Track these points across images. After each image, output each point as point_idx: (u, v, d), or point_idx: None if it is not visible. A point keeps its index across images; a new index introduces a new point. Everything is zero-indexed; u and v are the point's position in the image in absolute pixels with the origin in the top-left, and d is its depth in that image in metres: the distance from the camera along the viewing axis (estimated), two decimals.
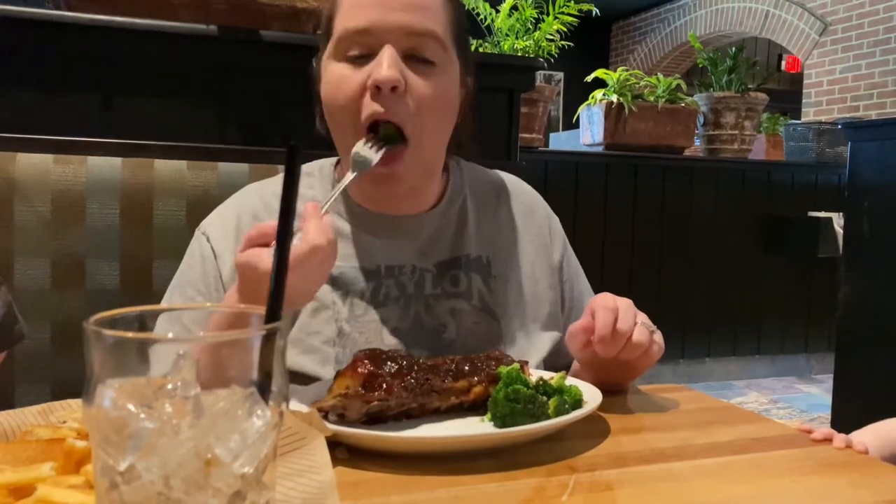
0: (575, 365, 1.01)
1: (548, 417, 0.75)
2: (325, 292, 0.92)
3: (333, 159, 1.03)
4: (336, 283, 0.93)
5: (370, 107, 0.85)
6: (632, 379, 0.97)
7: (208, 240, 0.96)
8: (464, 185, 1.05)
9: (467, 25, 0.98)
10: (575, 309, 1.08)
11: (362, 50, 0.86)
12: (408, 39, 0.86)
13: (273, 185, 1.02)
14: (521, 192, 1.10)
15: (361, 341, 0.91)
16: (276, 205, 0.97)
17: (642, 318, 0.88)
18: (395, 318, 0.94)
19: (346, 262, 0.95)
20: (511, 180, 1.11)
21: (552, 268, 1.07)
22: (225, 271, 0.94)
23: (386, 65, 0.84)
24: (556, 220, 1.13)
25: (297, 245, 0.72)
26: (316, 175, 1.02)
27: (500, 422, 0.74)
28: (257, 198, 1.00)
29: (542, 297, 1.04)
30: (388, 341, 0.92)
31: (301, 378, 0.88)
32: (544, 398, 0.76)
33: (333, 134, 0.93)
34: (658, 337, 0.89)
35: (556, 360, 1.04)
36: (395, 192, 0.94)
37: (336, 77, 0.88)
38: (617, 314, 0.84)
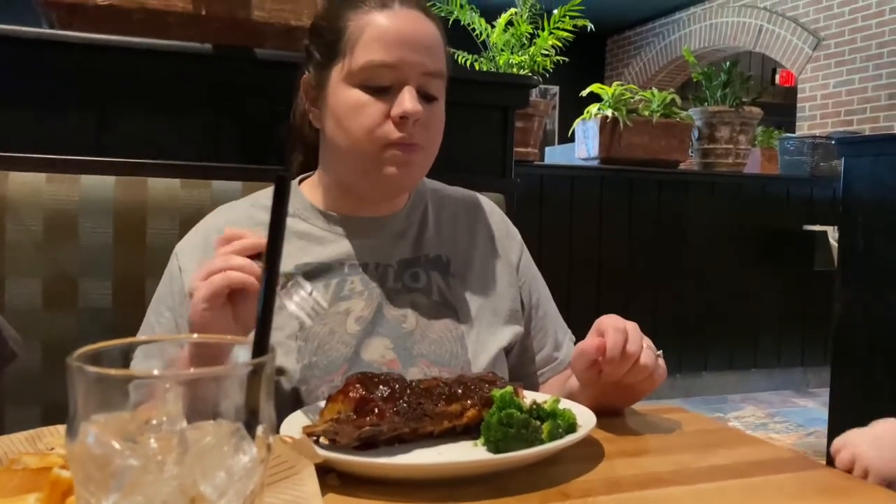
0: (571, 385, 1.02)
1: (541, 442, 0.74)
2: None
3: (294, 179, 1.12)
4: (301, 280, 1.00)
5: (394, 133, 0.95)
6: (631, 403, 0.98)
7: (177, 257, 1.03)
8: (425, 194, 1.13)
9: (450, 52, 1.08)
10: (535, 311, 1.14)
11: (383, 82, 0.95)
12: (422, 78, 0.97)
13: (244, 204, 1.09)
14: (479, 202, 1.18)
15: (324, 332, 0.96)
16: (242, 221, 1.02)
17: (647, 341, 0.89)
18: (358, 308, 0.99)
19: (314, 259, 1.01)
20: (465, 192, 1.19)
21: (510, 267, 1.13)
22: (187, 284, 0.99)
23: (409, 100, 0.94)
24: (512, 226, 1.19)
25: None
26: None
27: (494, 447, 0.73)
28: (225, 215, 1.06)
29: (501, 293, 1.09)
30: (352, 328, 0.97)
31: None
32: (538, 422, 0.75)
33: (342, 145, 0.99)
34: (661, 361, 0.90)
35: (522, 356, 1.11)
36: (404, 188, 1.05)
37: (355, 102, 0.96)
38: (627, 336, 0.86)
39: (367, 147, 0.96)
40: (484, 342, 1.03)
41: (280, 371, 0.93)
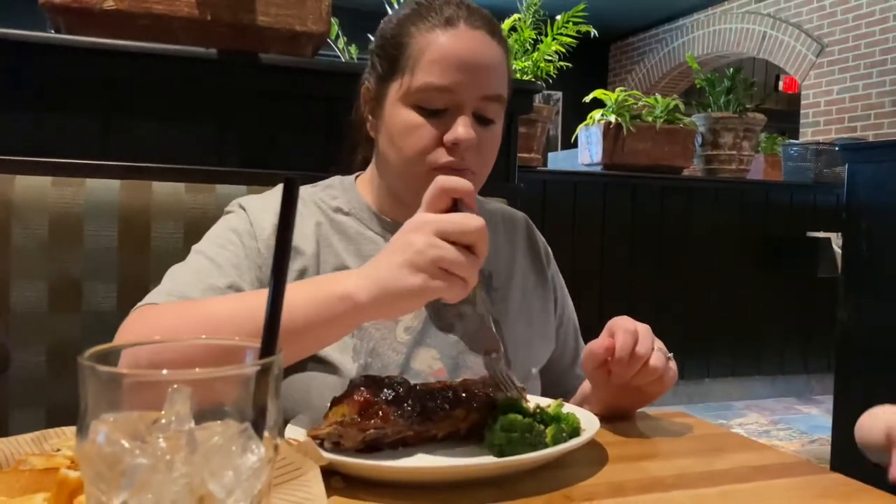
0: (583, 389, 1.02)
1: (545, 446, 0.74)
2: None
3: (352, 176, 1.10)
4: None
5: (445, 157, 0.94)
6: (641, 405, 0.98)
7: (247, 212, 0.99)
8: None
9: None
10: (563, 326, 1.15)
11: (438, 105, 0.93)
12: (479, 102, 0.94)
13: (309, 188, 1.07)
14: (513, 216, 1.17)
15: (377, 336, 0.96)
16: (306, 202, 1.01)
17: (658, 343, 0.89)
18: (408, 317, 0.98)
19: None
20: (504, 207, 1.19)
21: (545, 283, 1.13)
22: (263, 237, 0.96)
23: (464, 126, 0.92)
24: (543, 240, 1.19)
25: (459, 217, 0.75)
26: (337, 187, 1.08)
27: (498, 451, 0.74)
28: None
29: (537, 308, 1.10)
30: (401, 337, 0.97)
31: (320, 362, 0.92)
32: (541, 427, 0.75)
33: (394, 162, 0.98)
34: (672, 364, 0.90)
35: (549, 369, 1.10)
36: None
37: (408, 124, 0.95)
38: (637, 337, 0.86)
39: (418, 169, 0.95)
40: (525, 360, 1.04)
41: (334, 369, 0.92)
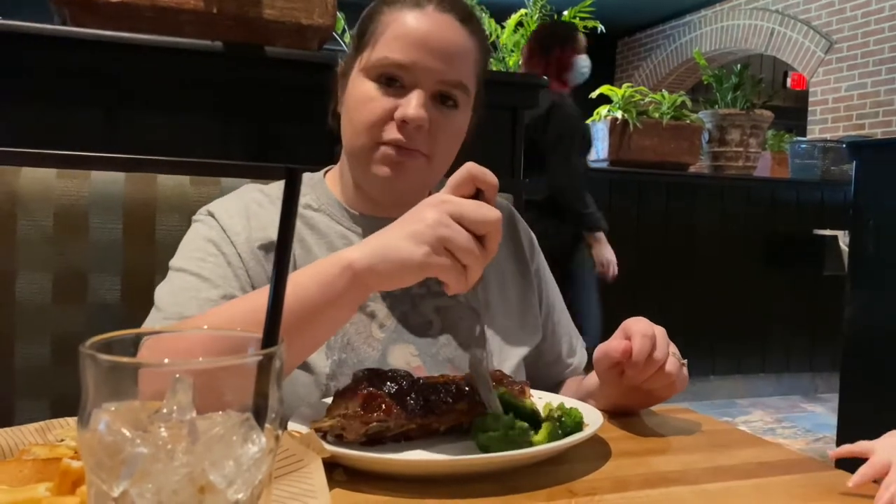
0: (588, 385, 1.02)
1: (529, 444, 0.73)
2: None
3: (321, 171, 1.09)
4: None
5: (393, 133, 0.92)
6: (648, 406, 0.97)
7: (216, 219, 0.97)
8: None
9: (489, 61, 1.04)
10: (549, 315, 1.13)
11: (395, 79, 0.93)
12: (438, 85, 0.93)
13: (277, 185, 1.06)
14: (498, 205, 1.13)
15: (352, 330, 0.94)
16: (277, 197, 0.99)
17: (673, 348, 0.88)
18: (382, 315, 0.97)
19: None
20: None
21: (526, 273, 1.11)
22: (239, 241, 0.94)
23: (415, 105, 0.91)
24: (528, 229, 1.16)
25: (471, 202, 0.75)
26: (306, 183, 1.05)
27: (483, 450, 0.73)
28: (262, 190, 1.03)
29: (520, 298, 1.08)
30: (377, 334, 0.95)
31: None
32: (525, 424, 0.74)
33: (347, 136, 0.98)
34: (685, 370, 0.90)
35: (537, 361, 1.09)
36: (398, 192, 0.97)
37: (364, 95, 0.94)
38: (654, 342, 0.85)
39: (364, 142, 0.94)
40: (507, 349, 1.02)
41: (306, 366, 0.90)
